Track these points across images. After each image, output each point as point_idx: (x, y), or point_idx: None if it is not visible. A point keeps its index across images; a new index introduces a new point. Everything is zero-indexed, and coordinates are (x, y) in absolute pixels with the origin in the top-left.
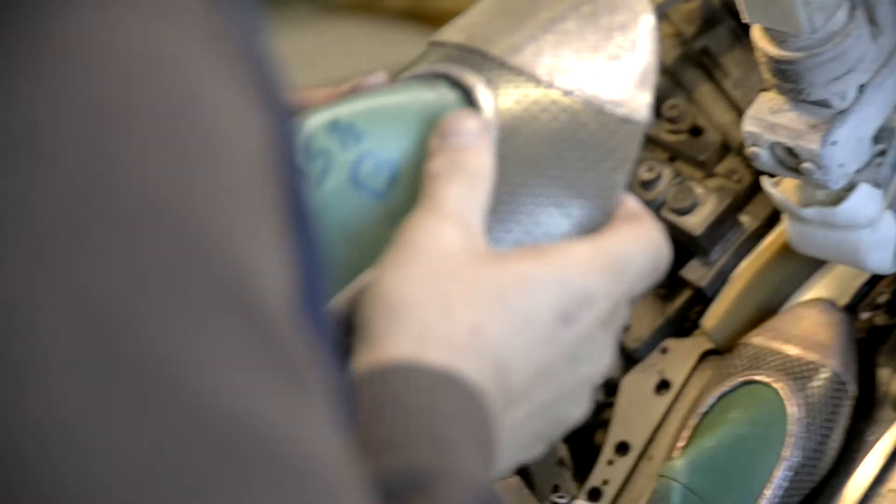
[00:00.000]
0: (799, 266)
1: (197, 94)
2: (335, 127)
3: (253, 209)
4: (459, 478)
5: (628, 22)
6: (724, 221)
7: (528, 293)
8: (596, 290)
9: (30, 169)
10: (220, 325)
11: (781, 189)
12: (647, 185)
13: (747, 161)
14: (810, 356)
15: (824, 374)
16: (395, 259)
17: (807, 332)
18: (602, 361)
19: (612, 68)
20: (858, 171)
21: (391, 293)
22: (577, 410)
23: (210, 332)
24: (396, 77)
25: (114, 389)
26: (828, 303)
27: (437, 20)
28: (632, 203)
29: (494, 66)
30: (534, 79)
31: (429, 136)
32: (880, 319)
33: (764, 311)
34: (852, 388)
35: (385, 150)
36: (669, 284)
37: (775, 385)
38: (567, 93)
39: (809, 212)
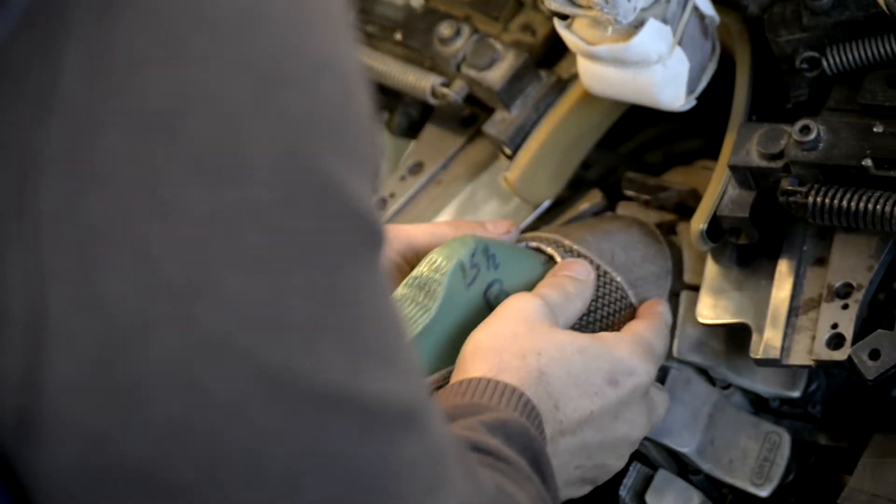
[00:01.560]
0: (598, 118)
1: None
2: (486, 252)
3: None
4: (502, 413)
5: (657, 259)
6: (524, 75)
7: (585, 359)
8: (637, 366)
9: None
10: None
11: (574, 29)
12: (446, 41)
13: (542, 15)
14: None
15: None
16: (489, 320)
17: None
18: (639, 425)
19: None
20: (646, 9)
21: (480, 342)
22: (617, 462)
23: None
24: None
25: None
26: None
27: None
28: (652, 304)
29: (569, 248)
30: (595, 263)
31: (535, 280)
32: None
33: (566, 163)
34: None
35: (508, 281)
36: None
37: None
38: (607, 273)
39: (601, 49)
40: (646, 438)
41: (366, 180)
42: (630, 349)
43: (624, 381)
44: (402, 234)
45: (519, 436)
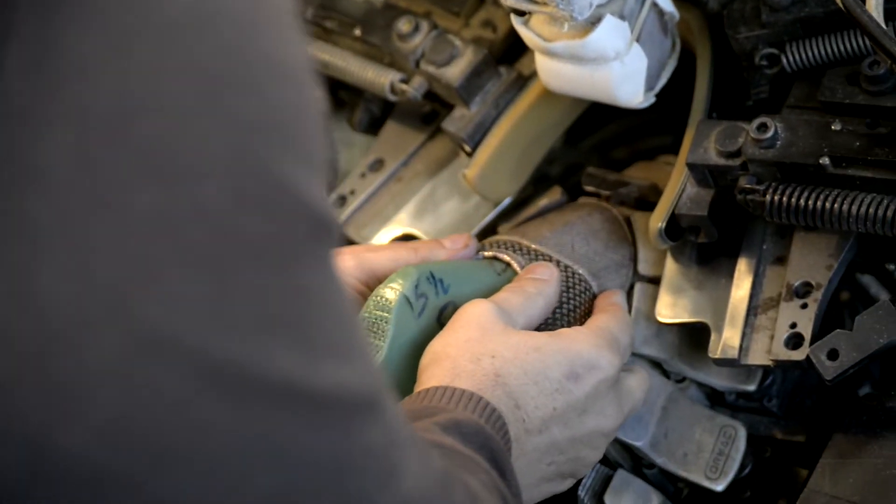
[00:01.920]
0: (558, 115)
1: None
2: (432, 279)
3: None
4: (456, 414)
5: (620, 247)
6: (483, 72)
7: (542, 356)
8: (599, 358)
9: None
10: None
11: (531, 26)
12: (405, 37)
13: (503, 11)
14: (543, 249)
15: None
16: (444, 331)
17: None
18: (610, 416)
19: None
20: (603, 6)
21: (436, 349)
22: (592, 454)
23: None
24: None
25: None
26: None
27: None
28: (608, 295)
29: (528, 250)
30: (554, 259)
31: (491, 292)
32: None
33: (526, 160)
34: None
35: (462, 300)
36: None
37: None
38: (569, 268)
39: (558, 46)
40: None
41: (317, 176)
42: (591, 342)
43: (586, 375)
44: (363, 261)
45: (475, 434)
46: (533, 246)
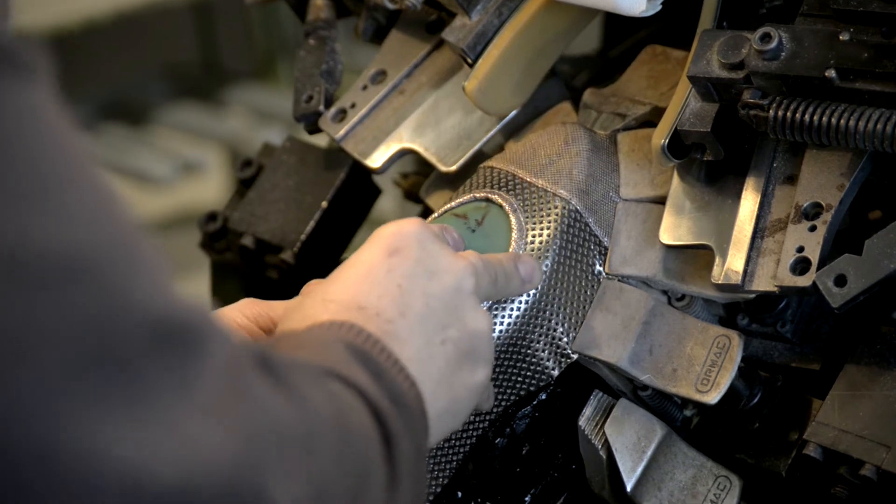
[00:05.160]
0: (564, 25)
1: None
2: None
3: None
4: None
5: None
6: None
7: (359, 254)
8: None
9: None
10: None
11: None
12: None
13: None
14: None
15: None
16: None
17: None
18: (459, 268)
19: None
20: None
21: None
22: (477, 320)
23: None
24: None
25: None
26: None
27: None
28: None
29: (525, 184)
30: (550, 193)
31: None
32: None
33: (531, 72)
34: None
35: None
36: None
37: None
38: (566, 201)
39: None
40: (598, 361)
41: None
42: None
43: (404, 248)
44: (263, 304)
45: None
46: (528, 179)
